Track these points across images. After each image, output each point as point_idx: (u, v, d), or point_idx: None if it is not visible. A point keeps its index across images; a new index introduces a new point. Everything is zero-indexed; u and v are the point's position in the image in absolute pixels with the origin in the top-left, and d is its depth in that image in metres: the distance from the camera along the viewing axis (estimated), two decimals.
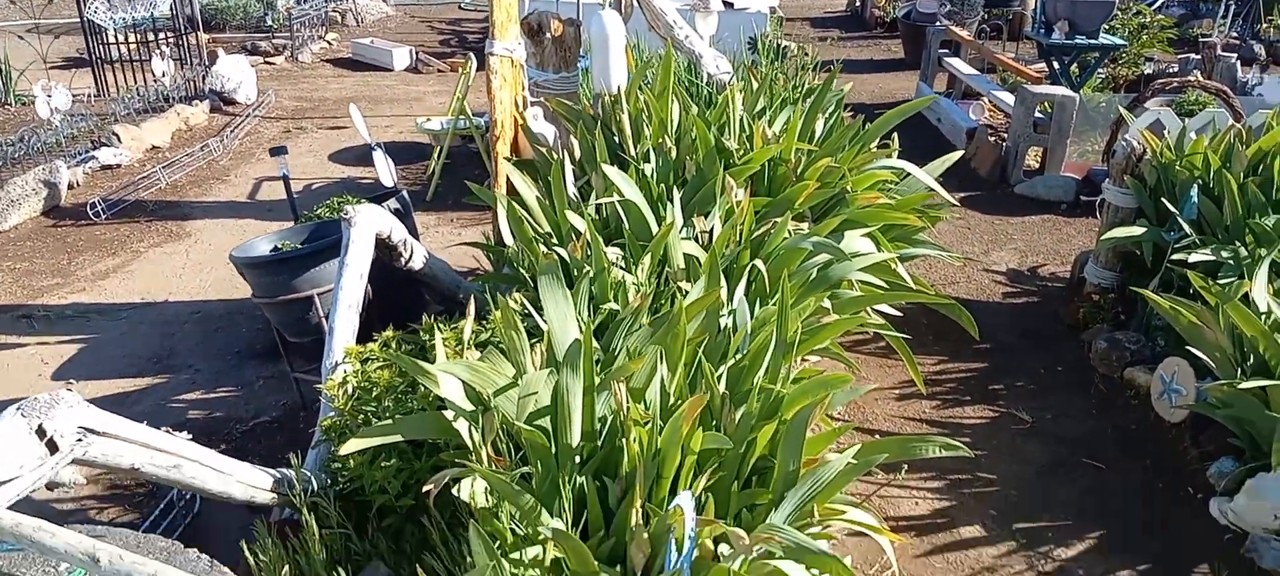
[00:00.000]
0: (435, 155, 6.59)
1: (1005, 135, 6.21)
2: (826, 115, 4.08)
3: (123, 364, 4.32)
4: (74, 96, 8.45)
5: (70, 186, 6.53)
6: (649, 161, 3.63)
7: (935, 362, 4.01)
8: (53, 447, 1.81)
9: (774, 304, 2.97)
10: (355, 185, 6.71)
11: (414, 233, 4.44)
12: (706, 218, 3.43)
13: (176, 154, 7.34)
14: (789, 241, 3.22)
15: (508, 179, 3.50)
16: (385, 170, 4.18)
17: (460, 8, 13.06)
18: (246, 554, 2.38)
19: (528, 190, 3.46)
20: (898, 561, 2.93)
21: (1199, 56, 6.86)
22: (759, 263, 3.15)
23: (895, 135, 4.27)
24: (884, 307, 4.25)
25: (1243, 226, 3.59)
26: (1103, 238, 4.02)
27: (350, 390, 2.81)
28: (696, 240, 3.29)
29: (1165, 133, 4.13)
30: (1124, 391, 3.78)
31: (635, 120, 3.97)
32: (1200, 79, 5.70)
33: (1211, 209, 3.83)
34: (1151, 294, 3.44)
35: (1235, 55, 6.70)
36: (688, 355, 2.64)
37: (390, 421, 2.44)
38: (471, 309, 2.73)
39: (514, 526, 2.28)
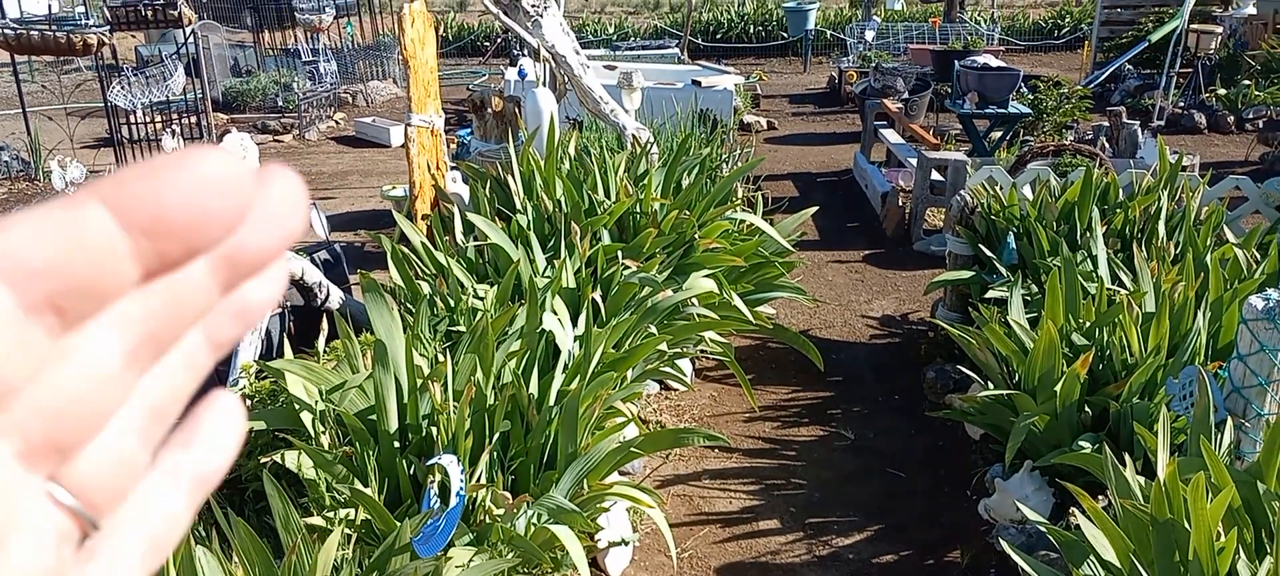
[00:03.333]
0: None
1: None
2: (692, 174, 4.69)
3: None
4: (99, 173, 9.38)
5: None
6: (524, 213, 4.26)
7: (789, 391, 4.52)
8: None
9: (599, 329, 3.55)
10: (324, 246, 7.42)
11: (346, 281, 5.10)
12: (571, 259, 4.04)
13: None
14: (623, 277, 3.80)
15: (399, 228, 4.15)
16: (319, 225, 4.86)
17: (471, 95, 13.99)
18: None
19: (415, 236, 4.09)
20: (700, 547, 3.44)
21: (1108, 124, 7.39)
22: (597, 295, 3.73)
23: (762, 194, 4.87)
24: (744, 342, 4.80)
25: (1037, 267, 4.10)
26: (932, 282, 4.54)
27: (238, 397, 3.43)
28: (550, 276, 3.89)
29: (996, 187, 4.67)
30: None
31: (527, 179, 4.61)
32: (1073, 143, 6.22)
33: (1029, 252, 4.35)
34: (947, 325, 3.96)
35: (1137, 122, 7.24)
36: (501, 363, 3.22)
37: (251, 411, 3.04)
38: (325, 327, 3.34)
39: (334, 492, 2.85)
